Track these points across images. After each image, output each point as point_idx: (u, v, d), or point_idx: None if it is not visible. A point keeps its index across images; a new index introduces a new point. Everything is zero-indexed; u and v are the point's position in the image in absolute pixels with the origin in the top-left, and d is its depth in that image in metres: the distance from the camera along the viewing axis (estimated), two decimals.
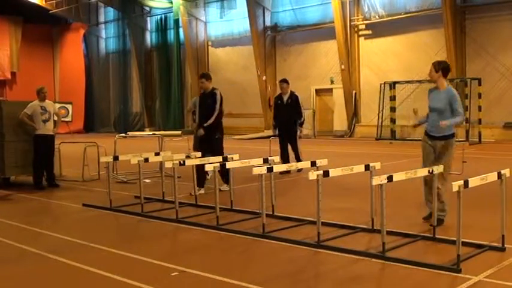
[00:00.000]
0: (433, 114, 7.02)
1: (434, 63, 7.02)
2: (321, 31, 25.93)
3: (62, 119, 13.89)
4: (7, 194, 10.64)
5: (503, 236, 5.76)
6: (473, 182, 5.31)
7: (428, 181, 6.86)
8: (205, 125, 9.79)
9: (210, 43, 31.45)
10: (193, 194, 9.02)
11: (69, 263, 5.74)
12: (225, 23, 30.38)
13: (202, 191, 9.56)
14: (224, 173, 9.22)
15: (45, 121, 11.18)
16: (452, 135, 7.01)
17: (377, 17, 24.25)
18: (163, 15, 33.65)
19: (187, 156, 9.12)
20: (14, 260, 6.05)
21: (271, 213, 7.57)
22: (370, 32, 24.78)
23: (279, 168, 7.59)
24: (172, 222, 7.59)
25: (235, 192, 8.44)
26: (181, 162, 8.05)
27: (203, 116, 9.91)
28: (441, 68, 6.96)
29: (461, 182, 5.08)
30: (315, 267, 5.64)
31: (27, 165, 11.23)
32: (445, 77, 7.00)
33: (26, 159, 11.18)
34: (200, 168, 8.71)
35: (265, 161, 7.92)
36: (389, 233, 6.07)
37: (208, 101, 9.84)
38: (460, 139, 19.48)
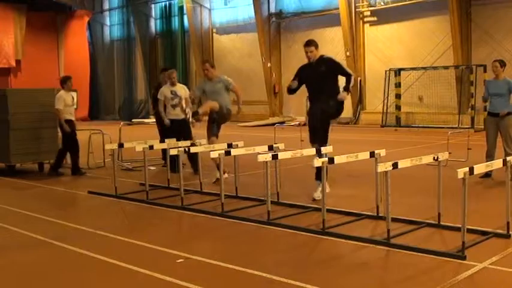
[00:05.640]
0: (494, 98, 9.21)
1: (498, 60, 9.38)
2: (326, 18, 25.75)
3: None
4: (13, 181, 10.67)
5: (508, 223, 5.76)
6: (479, 169, 5.31)
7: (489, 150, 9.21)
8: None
9: (214, 30, 31.30)
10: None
11: (76, 250, 5.77)
12: (229, 10, 30.21)
13: None
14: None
15: (174, 106, 10.98)
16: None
17: (382, 3, 24.06)
18: (167, 2, 33.49)
19: (193, 144, 9.13)
20: (22, 247, 6.09)
21: (276, 200, 7.58)
22: (375, 18, 24.60)
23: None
24: (178, 209, 7.62)
25: (240, 179, 8.44)
26: (186, 149, 8.07)
27: (321, 91, 8.15)
28: (504, 64, 9.35)
29: (467, 169, 5.07)
30: (320, 254, 5.65)
31: (33, 153, 11.25)
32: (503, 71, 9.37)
33: (31, 146, 11.18)
34: None
35: (270, 148, 7.92)
36: (394, 219, 6.07)
37: (322, 68, 8.34)
38: (466, 126, 19.47)
